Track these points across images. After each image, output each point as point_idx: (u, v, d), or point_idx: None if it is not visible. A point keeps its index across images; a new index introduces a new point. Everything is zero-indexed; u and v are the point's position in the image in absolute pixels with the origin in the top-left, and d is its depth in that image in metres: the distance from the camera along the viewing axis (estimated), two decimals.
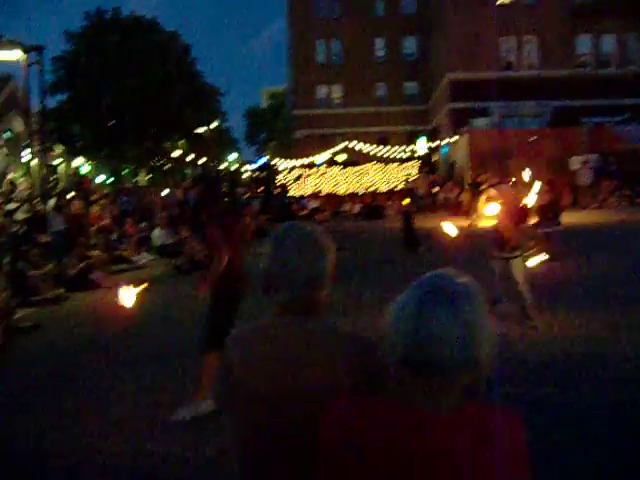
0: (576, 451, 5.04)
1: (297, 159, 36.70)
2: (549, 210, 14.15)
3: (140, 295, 5.82)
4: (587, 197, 27.58)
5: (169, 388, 7.10)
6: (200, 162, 50.68)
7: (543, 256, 10.89)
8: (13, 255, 13.99)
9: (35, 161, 21.14)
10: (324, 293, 2.16)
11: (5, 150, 29.66)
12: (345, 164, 35.37)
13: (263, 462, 2.09)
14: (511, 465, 1.64)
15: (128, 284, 5.80)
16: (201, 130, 46.31)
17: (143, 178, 47.90)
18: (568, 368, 7.13)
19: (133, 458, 5.49)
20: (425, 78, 47.58)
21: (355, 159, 36.54)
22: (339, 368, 2.00)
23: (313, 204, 30.22)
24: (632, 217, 22.21)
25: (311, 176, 33.77)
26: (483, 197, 9.33)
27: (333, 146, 39.26)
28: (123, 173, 47.95)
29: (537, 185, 10.67)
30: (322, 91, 49.69)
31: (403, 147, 36.91)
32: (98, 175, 43.39)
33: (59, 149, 39.22)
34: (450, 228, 9.59)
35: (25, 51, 17.00)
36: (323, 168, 34.58)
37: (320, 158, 37.48)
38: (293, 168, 34.62)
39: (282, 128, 66.13)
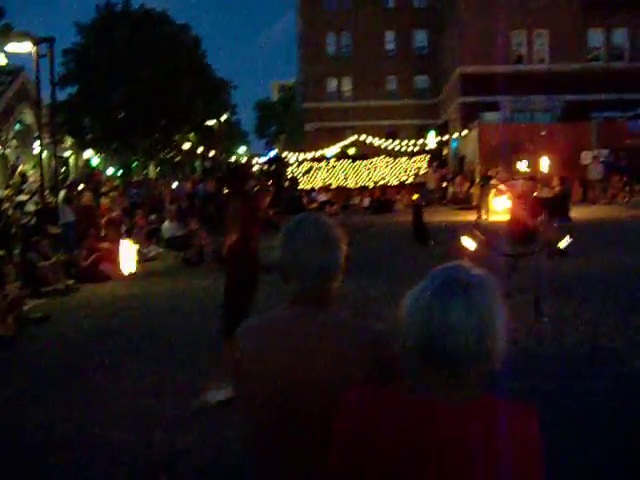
0: (576, 451, 5.02)
1: (307, 152, 36.68)
2: (560, 204, 14.11)
3: None
4: (597, 192, 27.45)
5: (178, 379, 7.13)
6: (210, 155, 50.71)
7: (569, 238, 10.89)
8: (23, 246, 14.07)
9: (45, 153, 21.18)
10: (336, 285, 2.16)
11: (16, 142, 29.74)
12: (355, 157, 35.31)
13: (275, 453, 2.10)
14: (524, 456, 1.64)
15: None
16: (211, 123, 46.32)
17: (153, 170, 47.96)
18: (574, 364, 7.12)
19: (142, 449, 5.51)
20: (435, 72, 47.45)
21: (365, 152, 36.47)
22: (351, 359, 1.99)
23: (323, 197, 30.15)
24: None
25: (321, 169, 33.72)
26: (493, 192, 9.33)
27: (343, 139, 39.23)
28: (133, 165, 48.05)
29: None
30: (332, 84, 49.64)
31: (413, 141, 36.84)
32: (108, 167, 43.52)
33: (69, 141, 39.30)
34: (469, 242, 9.60)
35: (35, 43, 16.98)
36: (333, 161, 34.53)
37: (330, 151, 37.43)
38: (303, 161, 34.58)
39: (292, 121, 66.14)
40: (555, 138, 28.45)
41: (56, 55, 18.50)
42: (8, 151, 29.20)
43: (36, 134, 21.48)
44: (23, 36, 17.21)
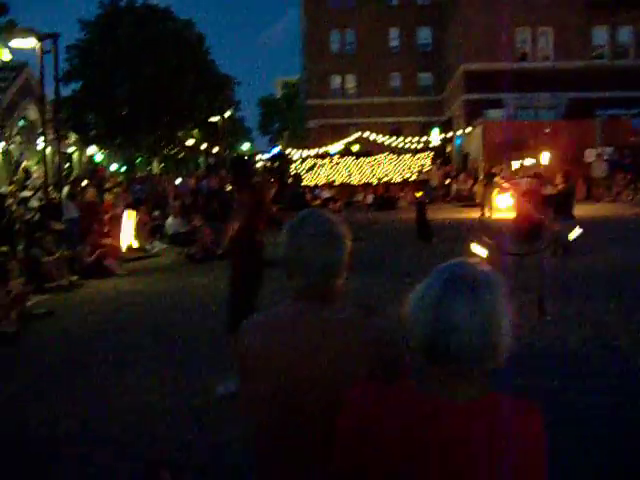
0: (576, 451, 5.01)
1: (310, 149, 36.66)
2: (563, 202, 14.07)
3: None
4: (601, 190, 27.42)
5: (182, 375, 7.13)
6: (213, 151, 50.69)
7: (579, 229, 10.90)
8: (27, 242, 14.07)
9: (49, 149, 21.20)
10: (340, 281, 2.15)
11: (19, 138, 29.72)
12: (358, 154, 35.29)
13: (276, 452, 2.09)
14: (527, 454, 1.63)
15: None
16: (215, 119, 46.31)
17: (156, 167, 47.95)
18: (578, 362, 7.11)
19: (145, 445, 5.52)
20: (439, 69, 47.40)
21: (368, 149, 36.47)
22: (355, 356, 1.99)
23: (326, 194, 30.14)
24: None
25: (324, 166, 33.70)
26: (497, 189, 9.34)
27: (346, 136, 39.23)
28: (137, 161, 48.07)
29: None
30: (336, 81, 49.60)
31: (417, 138, 36.83)
32: (112, 163, 43.53)
33: (73, 137, 39.29)
34: (479, 250, 9.60)
35: (39, 39, 16.97)
36: (336, 158, 34.52)
37: (334, 148, 37.42)
38: (307, 158, 34.57)
39: (295, 118, 66.10)
40: (559, 136, 28.40)
41: (60, 51, 18.47)
42: (12, 147, 29.18)
43: (40, 130, 21.48)
44: (27, 32, 17.20)
